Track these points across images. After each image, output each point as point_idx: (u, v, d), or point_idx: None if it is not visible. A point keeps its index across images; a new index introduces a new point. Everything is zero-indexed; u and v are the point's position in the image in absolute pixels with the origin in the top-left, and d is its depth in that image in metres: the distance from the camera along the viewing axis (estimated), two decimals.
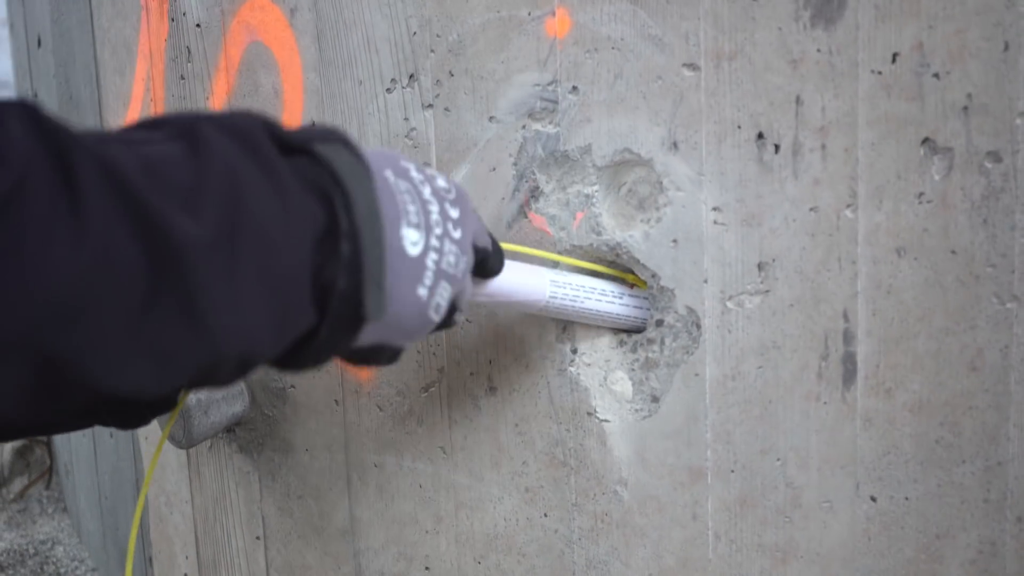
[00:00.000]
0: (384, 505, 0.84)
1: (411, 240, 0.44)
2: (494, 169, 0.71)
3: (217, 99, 0.92)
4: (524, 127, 0.69)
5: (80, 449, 1.76)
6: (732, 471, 0.62)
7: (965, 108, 0.52)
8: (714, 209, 0.61)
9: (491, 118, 0.71)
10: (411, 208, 0.45)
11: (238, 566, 1.02)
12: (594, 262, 0.68)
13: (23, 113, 0.31)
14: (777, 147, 0.58)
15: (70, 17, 1.32)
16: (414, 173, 0.47)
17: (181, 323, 0.33)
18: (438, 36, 0.72)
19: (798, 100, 0.57)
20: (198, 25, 0.93)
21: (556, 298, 0.63)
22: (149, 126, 0.38)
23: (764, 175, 0.59)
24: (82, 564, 1.83)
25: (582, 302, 0.64)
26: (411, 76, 0.75)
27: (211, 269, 0.34)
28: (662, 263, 0.64)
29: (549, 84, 0.67)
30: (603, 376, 0.69)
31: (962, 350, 0.54)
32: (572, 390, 0.69)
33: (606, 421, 0.68)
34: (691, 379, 0.63)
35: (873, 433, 0.57)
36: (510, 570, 0.76)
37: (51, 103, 1.56)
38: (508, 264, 0.59)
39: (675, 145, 0.62)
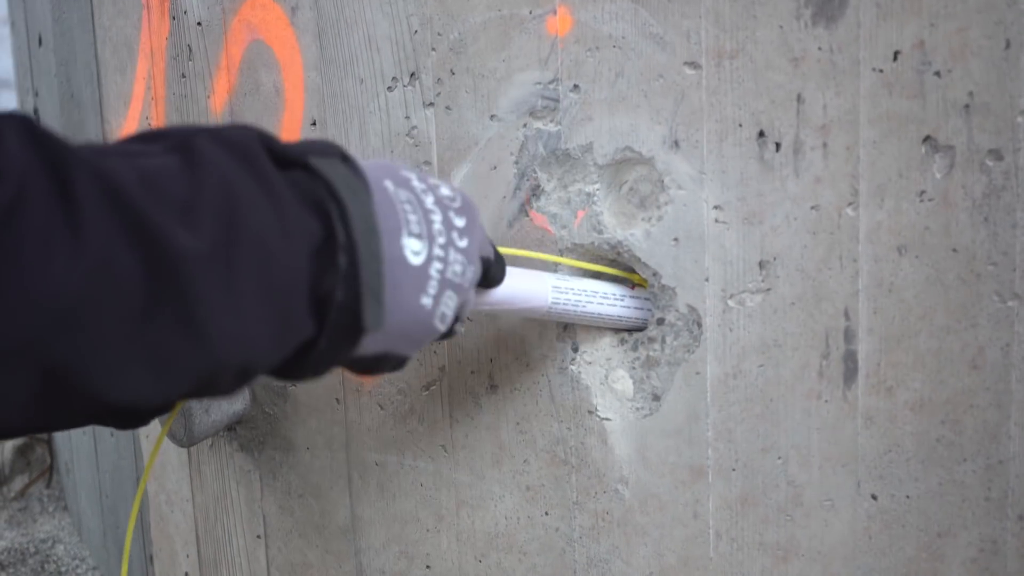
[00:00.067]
0: (385, 503, 0.84)
1: (413, 249, 0.44)
2: (495, 168, 0.71)
3: (218, 98, 0.92)
4: (525, 125, 0.69)
5: (81, 448, 1.76)
6: (733, 469, 0.62)
7: (966, 106, 0.52)
8: (715, 207, 0.61)
9: (492, 116, 0.71)
10: (412, 218, 0.45)
11: (239, 565, 1.02)
12: (595, 261, 0.68)
13: (19, 126, 0.31)
14: (778, 145, 0.58)
15: (71, 15, 1.32)
16: (416, 183, 0.47)
17: (180, 333, 0.34)
18: (439, 34, 0.72)
19: (799, 98, 0.57)
20: (199, 23, 0.93)
21: (558, 304, 0.63)
22: (146, 139, 0.39)
23: (765, 173, 0.59)
24: (83, 563, 1.83)
25: (584, 306, 0.64)
26: (412, 74, 0.75)
27: (208, 280, 0.34)
28: (663, 261, 0.64)
29: (550, 82, 0.67)
30: (604, 374, 0.69)
31: (963, 348, 0.54)
32: (573, 388, 0.69)
33: (607, 419, 0.68)
34: (692, 377, 0.63)
35: (874, 431, 0.57)
36: (511, 568, 0.76)
37: (52, 102, 1.56)
38: (509, 271, 0.58)
39: (676, 143, 0.62)
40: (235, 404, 0.93)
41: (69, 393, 0.32)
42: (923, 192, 0.54)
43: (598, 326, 0.68)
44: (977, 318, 0.54)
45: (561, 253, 0.69)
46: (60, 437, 2.07)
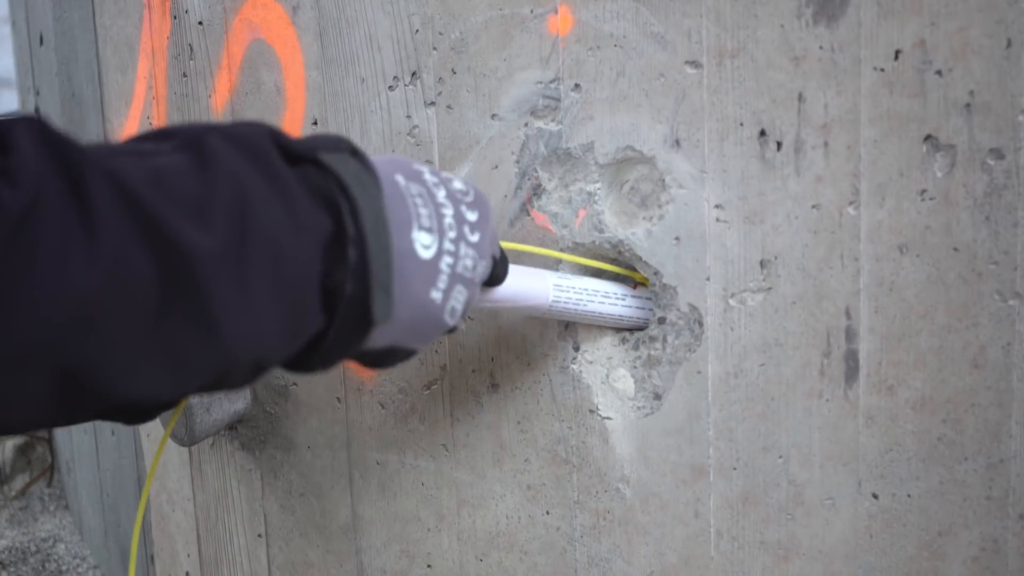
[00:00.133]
0: (386, 503, 0.84)
1: (423, 243, 0.44)
2: (496, 167, 0.71)
3: (219, 97, 0.92)
4: (526, 125, 0.69)
5: (82, 446, 1.76)
6: (734, 468, 0.63)
7: (967, 105, 0.52)
8: (716, 207, 0.61)
9: (493, 116, 0.71)
10: (423, 211, 0.45)
11: (240, 564, 1.02)
12: (596, 259, 0.68)
13: (31, 129, 0.32)
14: (779, 144, 0.58)
15: (72, 15, 1.32)
16: (428, 176, 0.47)
17: (194, 330, 0.34)
18: (440, 34, 0.73)
19: (800, 97, 0.57)
20: (200, 23, 0.93)
21: (559, 302, 0.63)
22: (157, 137, 0.39)
23: (766, 172, 0.59)
24: (83, 562, 1.83)
25: (585, 305, 0.64)
26: (413, 74, 0.75)
27: (221, 277, 0.35)
28: (664, 260, 0.64)
29: (551, 82, 0.67)
30: (605, 374, 0.69)
31: (964, 347, 0.54)
32: (574, 387, 0.69)
33: (608, 419, 0.68)
34: (693, 376, 0.63)
35: (875, 430, 0.57)
36: (512, 568, 0.76)
37: (53, 101, 1.56)
38: (511, 268, 0.59)
39: (677, 142, 0.62)
40: (236, 403, 0.93)
41: (85, 392, 0.33)
42: (924, 191, 0.54)
43: (599, 325, 0.68)
44: (978, 317, 0.54)
45: (562, 252, 0.69)
46: (61, 436, 2.07)
